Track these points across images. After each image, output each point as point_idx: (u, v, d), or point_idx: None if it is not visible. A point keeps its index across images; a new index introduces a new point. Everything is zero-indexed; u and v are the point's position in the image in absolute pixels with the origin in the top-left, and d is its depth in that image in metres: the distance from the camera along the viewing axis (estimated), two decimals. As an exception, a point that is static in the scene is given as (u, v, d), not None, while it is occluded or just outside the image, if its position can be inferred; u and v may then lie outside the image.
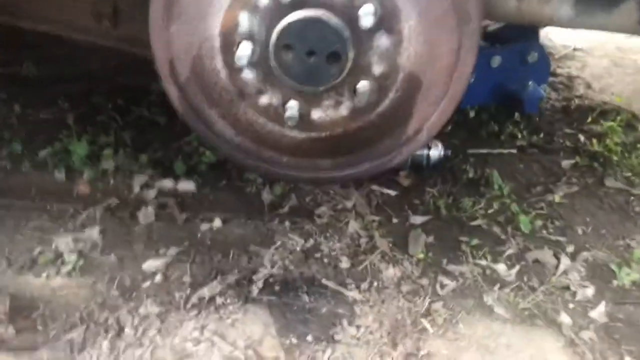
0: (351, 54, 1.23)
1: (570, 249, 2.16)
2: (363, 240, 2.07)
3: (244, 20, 1.23)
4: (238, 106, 1.32)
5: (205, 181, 2.29)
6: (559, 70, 3.80)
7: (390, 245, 2.07)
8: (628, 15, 1.57)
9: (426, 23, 1.23)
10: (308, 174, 1.41)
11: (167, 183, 2.24)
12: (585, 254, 2.15)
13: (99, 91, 2.72)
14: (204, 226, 2.07)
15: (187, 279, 1.82)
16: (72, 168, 2.24)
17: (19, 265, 1.80)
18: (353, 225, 2.12)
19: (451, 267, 2.01)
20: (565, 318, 1.85)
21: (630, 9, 1.56)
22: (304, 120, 1.30)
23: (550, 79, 3.51)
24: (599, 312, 1.89)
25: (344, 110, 1.30)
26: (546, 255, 2.12)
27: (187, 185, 2.25)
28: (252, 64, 1.24)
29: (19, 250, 1.86)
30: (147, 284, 1.79)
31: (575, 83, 3.78)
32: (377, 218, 2.20)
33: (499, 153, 2.78)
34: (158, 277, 1.81)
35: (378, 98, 1.29)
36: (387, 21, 1.23)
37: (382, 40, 1.24)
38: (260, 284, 1.83)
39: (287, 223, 2.11)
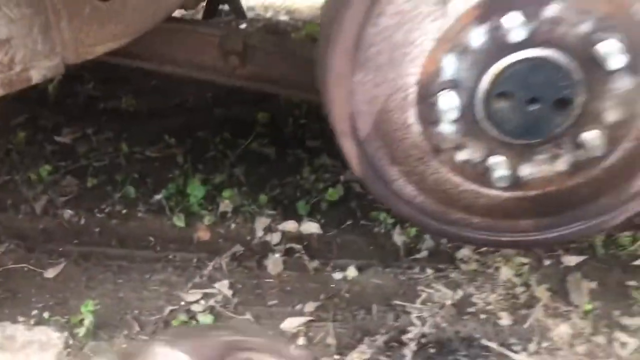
0: (581, 99, 1.02)
1: None
2: (519, 290, 1.84)
3: (450, 65, 1.03)
4: (428, 164, 1.13)
5: (329, 221, 2.12)
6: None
7: (550, 294, 1.82)
8: None
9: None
10: (504, 236, 1.20)
11: (290, 225, 2.07)
12: None
13: (200, 124, 2.59)
14: (337, 275, 1.90)
15: (331, 340, 1.65)
16: (191, 212, 2.11)
17: (152, 329, 1.66)
18: (505, 272, 1.89)
19: (626, 321, 1.75)
20: None
21: None
22: (509, 177, 1.09)
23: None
24: None
25: (561, 165, 1.09)
26: None
27: (310, 227, 2.08)
28: (455, 115, 1.04)
29: (149, 310, 1.73)
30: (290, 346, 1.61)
31: None
32: (526, 260, 1.96)
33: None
34: (301, 340, 1.64)
35: (607, 150, 1.07)
36: (632, 58, 1.00)
37: (623, 82, 1.02)
38: (413, 347, 1.63)
39: (428, 270, 1.90)
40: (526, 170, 1.09)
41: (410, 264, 1.94)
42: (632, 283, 1.89)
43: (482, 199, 1.14)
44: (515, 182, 1.10)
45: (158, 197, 2.17)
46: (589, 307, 1.78)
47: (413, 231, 2.07)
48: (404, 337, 1.67)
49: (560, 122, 1.03)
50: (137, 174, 2.31)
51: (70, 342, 1.59)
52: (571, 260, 1.99)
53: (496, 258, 1.96)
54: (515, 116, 1.02)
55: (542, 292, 1.83)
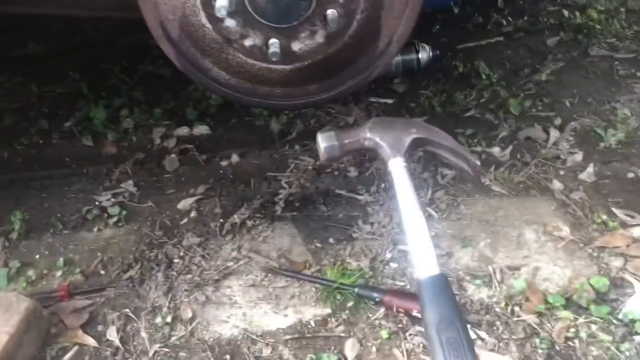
0: (315, -12, 1.39)
1: (558, 121, 2.34)
2: (367, 149, 2.27)
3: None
4: (227, 52, 1.50)
5: (217, 122, 2.50)
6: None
7: (392, 148, 2.26)
8: None
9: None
10: (301, 100, 1.60)
11: (184, 130, 2.46)
12: (572, 123, 2.33)
13: (103, 57, 2.90)
14: (224, 163, 2.29)
15: (217, 210, 2.06)
16: (96, 132, 2.47)
17: (72, 225, 2.06)
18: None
19: (450, 159, 2.21)
20: (556, 184, 2.05)
21: None
22: (286, 53, 1.47)
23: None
24: (587, 173, 2.08)
25: (319, 38, 1.47)
26: (536, 131, 2.30)
27: (201, 129, 2.47)
28: (231, 13, 1.41)
29: (69, 212, 2.11)
30: (184, 220, 2.04)
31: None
32: (381, 102, 2.39)
33: (486, 43, 2.91)
34: (193, 213, 2.06)
35: (347, 22, 1.45)
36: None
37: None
38: (282, 204, 2.06)
39: (297, 147, 2.32)
40: (296, 46, 1.48)
41: (282, 144, 2.36)
42: (460, 130, 2.35)
43: (274, 74, 1.53)
44: (292, 56, 1.48)
45: (68, 124, 2.52)
46: (421, 153, 2.23)
47: (285, 119, 2.48)
48: (276, 199, 2.10)
49: (306, 6, 1.40)
50: (48, 109, 2.64)
51: (7, 244, 1.99)
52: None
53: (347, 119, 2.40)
54: (272, 6, 1.39)
55: (385, 148, 2.27)
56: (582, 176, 2.08)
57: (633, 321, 1.54)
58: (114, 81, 2.75)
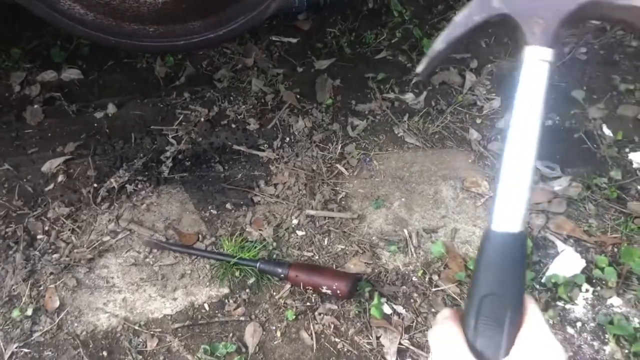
0: None
1: (474, 64, 2.16)
2: (269, 97, 2.00)
3: None
4: (80, -22, 1.16)
5: (91, 65, 2.12)
6: None
7: (298, 96, 2.01)
8: None
9: None
10: (181, 41, 1.29)
11: (50, 75, 2.06)
12: (489, 66, 2.17)
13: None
14: (99, 114, 1.95)
15: (91, 172, 1.74)
16: None
17: None
18: (256, 83, 2.04)
19: (360, 107, 2.00)
20: (473, 134, 1.89)
21: None
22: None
23: None
24: (505, 121, 1.94)
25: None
26: (452, 75, 2.12)
27: (71, 73, 2.08)
28: None
29: None
30: (50, 186, 1.70)
31: None
32: (280, 71, 2.12)
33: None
34: (60, 177, 1.73)
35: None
36: None
37: None
38: (169, 163, 1.77)
39: (186, 94, 2.01)
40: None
41: (169, 91, 2.03)
42: (371, 75, 2.12)
43: (144, 7, 1.21)
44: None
45: None
46: (329, 101, 2.00)
47: (172, 61, 2.14)
48: (162, 157, 1.80)
49: None
50: None
51: None
52: (322, 64, 2.18)
53: (250, 72, 2.10)
54: None
55: (290, 95, 2.01)
56: (500, 124, 1.94)
57: (556, 285, 1.43)
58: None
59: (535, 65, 0.72)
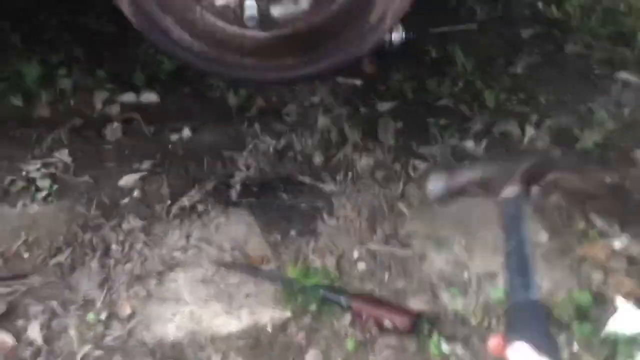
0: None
1: (534, 118, 2.22)
2: (334, 134, 2.09)
3: None
4: (194, 10, 1.27)
5: (168, 90, 2.25)
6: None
7: (361, 135, 2.09)
8: None
9: None
10: (274, 74, 1.39)
11: (129, 97, 2.19)
12: (548, 121, 2.22)
13: (39, 7, 2.56)
14: (174, 137, 2.06)
15: (165, 190, 1.84)
16: (28, 91, 2.16)
17: (-9, 197, 1.78)
18: (322, 120, 2.13)
19: (422, 150, 2.06)
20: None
21: None
22: (264, 18, 1.26)
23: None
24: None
25: (304, 4, 1.27)
26: (512, 127, 2.18)
27: (149, 97, 2.21)
28: (203, -36, 1.18)
29: (-11, 182, 1.83)
30: (126, 200, 1.80)
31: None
32: (345, 110, 2.21)
33: (460, 29, 2.76)
34: (136, 192, 1.82)
35: (337, -12, 1.26)
36: None
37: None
38: (238, 188, 1.86)
39: (256, 125, 2.11)
40: (277, 11, 1.27)
41: (240, 120, 2.13)
42: (433, 120, 2.19)
43: (247, 41, 1.32)
44: (269, 22, 1.27)
45: (-6, 79, 2.20)
46: (392, 142, 2.07)
47: (244, 93, 2.25)
48: (231, 181, 1.89)
49: (292, -35, 1.20)
50: (-32, 61, 2.30)
51: None
52: (384, 106, 2.27)
53: (316, 109, 2.19)
54: (253, -38, 1.18)
55: (353, 134, 2.09)
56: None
57: (615, 343, 1.44)
58: (51, 35, 2.43)
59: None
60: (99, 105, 2.15)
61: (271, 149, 2.01)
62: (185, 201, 1.80)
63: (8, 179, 1.83)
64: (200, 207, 1.78)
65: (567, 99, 2.35)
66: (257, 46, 1.33)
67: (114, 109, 2.14)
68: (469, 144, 2.10)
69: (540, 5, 2.95)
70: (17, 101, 2.12)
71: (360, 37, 1.35)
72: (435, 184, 1.05)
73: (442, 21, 2.78)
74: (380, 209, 1.81)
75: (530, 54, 2.60)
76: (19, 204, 1.76)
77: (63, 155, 1.93)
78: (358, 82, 2.39)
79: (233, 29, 1.29)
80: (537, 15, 2.88)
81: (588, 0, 3.00)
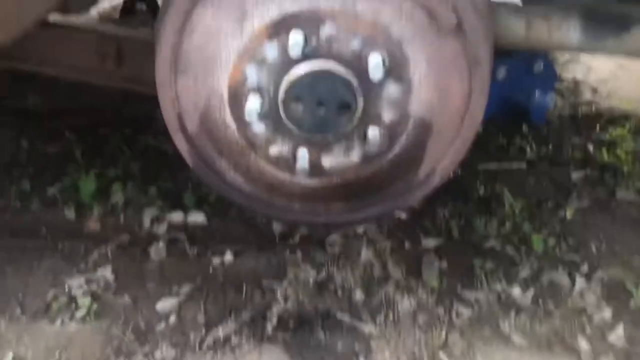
0: (360, 103, 1.23)
1: (584, 268, 2.14)
2: (376, 269, 2.06)
3: (252, 74, 1.23)
4: (248, 157, 1.32)
5: (215, 212, 2.28)
6: (564, 75, 3.77)
7: (404, 273, 2.05)
8: (640, 41, 1.55)
9: (436, 69, 1.22)
10: (320, 218, 1.40)
11: (177, 216, 2.24)
12: (600, 273, 2.13)
13: (105, 122, 2.72)
14: (216, 260, 2.06)
15: (201, 318, 1.82)
16: (82, 204, 2.24)
17: (33, 312, 1.80)
18: (365, 254, 2.11)
19: (466, 294, 2.00)
20: (583, 343, 1.83)
21: (641, 34, 1.54)
22: (314, 167, 1.29)
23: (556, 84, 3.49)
24: (617, 336, 1.87)
25: (354, 156, 1.30)
26: (561, 276, 2.11)
27: (197, 217, 2.25)
28: (261, 115, 1.23)
29: (33, 295, 1.86)
30: (161, 325, 1.79)
31: (582, 88, 3.76)
32: (389, 244, 2.19)
33: (508, 168, 2.77)
34: (172, 318, 1.81)
35: (389, 144, 1.29)
36: (396, 70, 1.22)
37: (392, 89, 1.24)
38: (274, 321, 1.82)
39: (299, 253, 2.10)
40: (327, 162, 1.30)
41: (283, 248, 2.13)
42: (479, 262, 2.14)
43: (297, 187, 1.34)
44: (320, 171, 1.30)
45: (52, 190, 2.29)
46: (435, 283, 2.02)
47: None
48: (268, 313, 1.86)
49: (346, 122, 1.24)
50: (34, 169, 2.42)
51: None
52: (429, 243, 2.24)
53: (360, 241, 2.18)
54: (308, 117, 1.23)
55: (396, 271, 2.06)
56: (612, 338, 1.87)
57: None
58: (111, 149, 2.56)
59: None
60: (147, 223, 2.20)
61: (311, 280, 1.99)
62: (220, 332, 1.77)
63: (51, 293, 1.86)
64: (234, 340, 1.74)
65: (619, 249, 2.27)
66: (306, 192, 1.35)
67: (162, 228, 2.18)
68: (516, 291, 2.03)
69: (591, 148, 2.95)
70: (70, 214, 2.19)
71: (408, 190, 1.36)
72: None
73: (490, 158, 2.80)
74: (420, 357, 1.74)
75: (580, 198, 2.56)
76: (58, 321, 1.77)
77: (106, 272, 1.96)
78: (403, 215, 2.39)
79: (284, 175, 1.33)
80: (588, 158, 2.87)
81: (638, 145, 2.99)
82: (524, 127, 3.03)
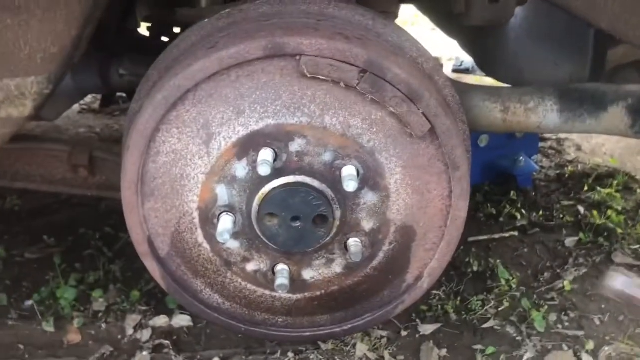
0: (338, 214, 1.17)
1: (590, 345, 2.05)
2: (373, 364, 1.95)
3: (223, 193, 1.18)
4: (225, 275, 1.25)
5: (201, 312, 2.19)
6: (547, 135, 3.78)
7: (402, 366, 1.95)
8: (618, 119, 1.53)
9: (413, 175, 1.18)
10: (306, 332, 1.32)
11: (162, 320, 2.13)
12: (606, 349, 2.04)
13: (84, 219, 2.65)
14: (203, 369, 1.95)
15: None
16: (61, 315, 2.14)
17: None
18: (360, 348, 2.00)
19: (469, 385, 1.89)
20: None
21: (618, 112, 1.52)
22: (296, 282, 1.22)
23: (539, 144, 3.48)
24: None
25: (337, 267, 1.23)
26: (566, 356, 2.01)
27: (182, 320, 2.14)
28: (235, 234, 1.17)
29: None
30: None
31: (565, 146, 3.76)
32: (385, 333, 2.09)
33: (500, 237, 2.71)
34: None
35: (372, 252, 1.23)
36: (371, 179, 1.18)
37: (369, 197, 1.19)
38: None
39: (290, 354, 1.99)
40: (308, 275, 1.23)
41: (273, 349, 2.02)
42: (479, 347, 2.05)
43: (278, 302, 1.27)
44: (302, 286, 1.23)
45: (30, 302, 2.20)
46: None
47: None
48: None
49: (324, 234, 1.18)
50: (11, 279, 2.33)
51: None
52: (427, 329, 2.14)
53: (355, 334, 2.08)
54: (284, 232, 1.17)
55: (394, 364, 1.95)
56: None
57: None
58: (91, 250, 2.48)
59: None
60: (129, 330, 2.09)
61: (305, 385, 1.87)
62: None
63: (27, 421, 1.73)
64: None
65: (624, 320, 2.19)
66: (288, 306, 1.28)
67: (145, 335, 2.07)
68: (521, 377, 1.92)
69: (581, 209, 2.91)
70: (48, 327, 2.09)
71: (397, 296, 1.29)
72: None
73: (480, 228, 2.75)
74: None
75: (577, 266, 2.50)
76: None
77: (87, 391, 1.84)
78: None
79: (264, 291, 1.25)
80: (580, 221, 2.82)
81: (629, 203, 2.95)
82: (512, 193, 3.00)
